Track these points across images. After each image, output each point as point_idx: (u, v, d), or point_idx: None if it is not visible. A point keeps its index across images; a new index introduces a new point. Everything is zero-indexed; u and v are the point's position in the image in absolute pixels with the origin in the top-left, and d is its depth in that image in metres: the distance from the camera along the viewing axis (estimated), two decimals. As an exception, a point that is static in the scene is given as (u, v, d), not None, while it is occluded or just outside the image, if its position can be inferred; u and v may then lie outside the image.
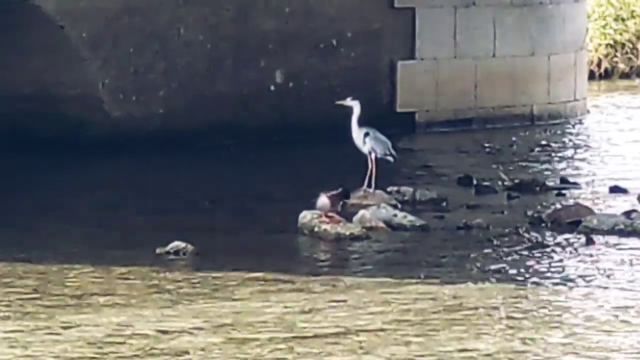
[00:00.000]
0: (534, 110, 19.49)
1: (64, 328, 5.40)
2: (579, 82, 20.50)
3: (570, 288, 7.41)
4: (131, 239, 9.96)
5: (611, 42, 26.91)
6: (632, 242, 9.76)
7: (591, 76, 24.50)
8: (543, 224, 11.01)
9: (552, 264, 8.82)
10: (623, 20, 27.55)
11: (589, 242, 9.60)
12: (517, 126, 19.17)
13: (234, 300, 6.69)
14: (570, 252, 9.50)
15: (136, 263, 8.33)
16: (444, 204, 12.44)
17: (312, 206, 10.54)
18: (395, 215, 10.92)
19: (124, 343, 5.00)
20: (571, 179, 14.64)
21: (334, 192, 10.50)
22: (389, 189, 12.44)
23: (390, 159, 12.04)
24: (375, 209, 10.98)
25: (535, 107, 19.45)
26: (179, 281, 7.75)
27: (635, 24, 27.55)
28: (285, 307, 6.26)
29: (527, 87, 19.41)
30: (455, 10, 18.72)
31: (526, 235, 10.57)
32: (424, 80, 18.54)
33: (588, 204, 12.17)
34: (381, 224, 10.57)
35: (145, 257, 8.69)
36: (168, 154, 15.66)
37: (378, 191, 11.92)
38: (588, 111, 21.31)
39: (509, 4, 19.32)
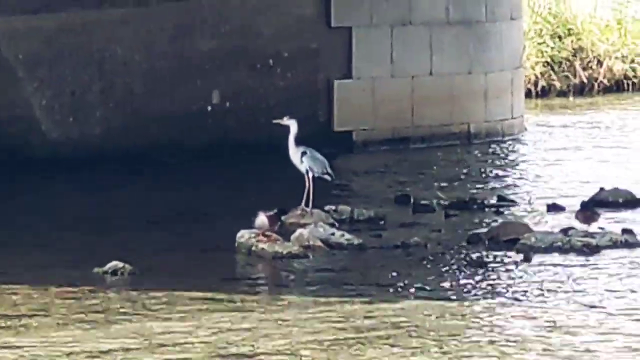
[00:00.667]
0: (471, 128, 19.88)
1: (1, 348, 5.41)
2: (516, 101, 20.91)
3: (507, 306, 7.48)
4: (69, 259, 9.99)
5: (548, 60, 27.24)
6: (570, 259, 9.89)
7: (528, 94, 24.86)
8: (481, 242, 11.06)
9: (490, 282, 8.97)
10: (560, 38, 28.11)
11: (527, 259, 9.74)
12: (454, 144, 19.35)
13: (170, 319, 6.80)
14: (508, 270, 9.62)
15: (74, 283, 8.35)
16: (382, 222, 12.59)
17: (250, 225, 10.59)
18: (333, 234, 11.04)
19: (60, 363, 5.03)
20: (509, 197, 14.85)
21: (272, 211, 10.58)
22: (326, 208, 12.56)
23: (328, 177, 12.21)
24: (313, 228, 11.10)
25: (473, 125, 19.83)
26: (116, 301, 7.78)
27: (572, 41, 28.13)
28: (222, 326, 6.35)
29: (464, 105, 19.71)
30: (391, 29, 18.95)
31: (464, 253, 10.64)
32: (361, 99, 18.77)
33: (526, 221, 12.24)
34: (319, 243, 10.68)
35: (83, 277, 8.71)
36: (106, 174, 15.64)
37: (316, 210, 12.05)
38: (525, 129, 21.73)
39: (446, 23, 19.62)
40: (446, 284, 8.70)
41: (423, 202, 13.96)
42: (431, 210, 13.60)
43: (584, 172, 17.32)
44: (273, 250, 10.27)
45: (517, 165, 18.85)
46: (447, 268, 9.79)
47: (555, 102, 27.66)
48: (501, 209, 13.91)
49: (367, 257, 10.78)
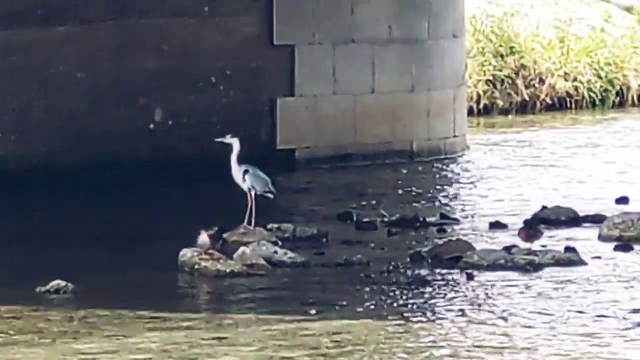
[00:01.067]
0: (414, 146, 20.07)
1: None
2: (459, 118, 21.18)
3: (448, 323, 7.50)
4: (11, 278, 9.91)
5: (490, 78, 27.55)
6: (513, 277, 9.98)
7: (470, 112, 25.07)
8: (424, 260, 11.14)
9: (432, 300, 9.05)
10: (502, 56, 28.50)
11: (469, 277, 9.82)
12: (397, 162, 19.50)
13: (114, 338, 6.80)
14: (451, 288, 9.69)
15: (16, 302, 8.33)
16: (324, 240, 12.63)
17: (192, 244, 10.64)
18: (276, 252, 11.12)
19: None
20: (451, 215, 15.06)
21: (214, 230, 10.64)
22: (269, 226, 12.65)
23: (270, 195, 12.34)
24: (256, 246, 11.18)
25: (415, 143, 20.07)
26: (59, 320, 7.75)
27: (514, 60, 28.42)
28: (165, 344, 6.39)
29: (407, 123, 19.89)
30: (334, 47, 19.08)
31: (407, 271, 10.71)
32: (304, 117, 18.87)
33: (468, 239, 12.31)
34: (261, 261, 10.77)
35: (25, 296, 8.70)
36: (49, 193, 15.56)
37: (258, 228, 12.15)
38: (468, 147, 21.95)
39: (388, 41, 19.74)
40: (388, 302, 8.79)
41: (366, 219, 14.04)
42: (374, 228, 13.69)
43: (526, 190, 17.62)
44: (215, 268, 10.33)
45: (460, 183, 19.07)
46: (389, 286, 9.85)
47: (498, 120, 28.02)
48: (444, 227, 14.00)
49: (309, 275, 10.85)
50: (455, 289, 9.59)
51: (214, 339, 6.79)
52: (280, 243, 11.98)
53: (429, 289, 9.64)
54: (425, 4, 20.57)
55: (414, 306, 8.64)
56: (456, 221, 14.62)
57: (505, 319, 7.63)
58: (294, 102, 18.96)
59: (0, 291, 8.99)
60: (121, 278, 10.08)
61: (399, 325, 7.29)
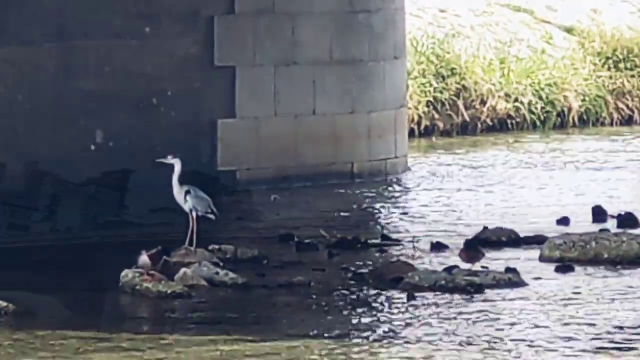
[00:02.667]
0: (355, 167, 20.26)
1: None
2: (400, 140, 21.41)
3: (387, 344, 7.61)
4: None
5: (431, 99, 27.81)
6: (453, 297, 10.14)
7: (411, 133, 25.28)
8: (365, 281, 11.27)
9: (373, 321, 9.20)
10: (443, 77, 28.70)
11: (410, 297, 9.95)
12: (337, 183, 19.62)
13: (55, 359, 6.82)
14: (391, 309, 9.83)
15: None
16: (265, 261, 12.74)
17: (133, 264, 10.73)
18: (217, 273, 11.26)
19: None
20: (392, 236, 15.20)
21: (155, 250, 10.75)
22: (210, 247, 12.74)
23: (212, 216, 12.49)
24: (197, 267, 11.29)
25: (356, 164, 20.30)
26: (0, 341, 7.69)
27: (455, 81, 28.66)
28: None
29: (348, 144, 20.03)
30: (275, 68, 19.21)
31: (348, 292, 10.86)
32: (245, 138, 18.93)
33: (409, 260, 12.44)
34: (203, 282, 10.89)
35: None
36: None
37: (199, 249, 12.22)
38: (409, 168, 22.11)
39: (329, 62, 19.86)
40: (329, 323, 8.93)
41: (307, 241, 14.14)
42: (315, 249, 13.80)
43: (467, 211, 17.91)
44: (157, 289, 10.43)
45: (401, 204, 19.30)
46: (330, 307, 9.99)
47: (439, 141, 28.23)
48: (385, 248, 14.12)
49: (251, 296, 10.99)
50: (396, 309, 9.77)
51: (154, 359, 6.92)
52: (221, 264, 12.09)
53: (370, 310, 9.83)
54: (366, 25, 20.81)
55: (355, 327, 8.82)
56: (397, 242, 14.77)
57: (446, 339, 7.84)
58: (235, 124, 19.07)
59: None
60: (63, 298, 10.11)
61: (341, 345, 7.47)
